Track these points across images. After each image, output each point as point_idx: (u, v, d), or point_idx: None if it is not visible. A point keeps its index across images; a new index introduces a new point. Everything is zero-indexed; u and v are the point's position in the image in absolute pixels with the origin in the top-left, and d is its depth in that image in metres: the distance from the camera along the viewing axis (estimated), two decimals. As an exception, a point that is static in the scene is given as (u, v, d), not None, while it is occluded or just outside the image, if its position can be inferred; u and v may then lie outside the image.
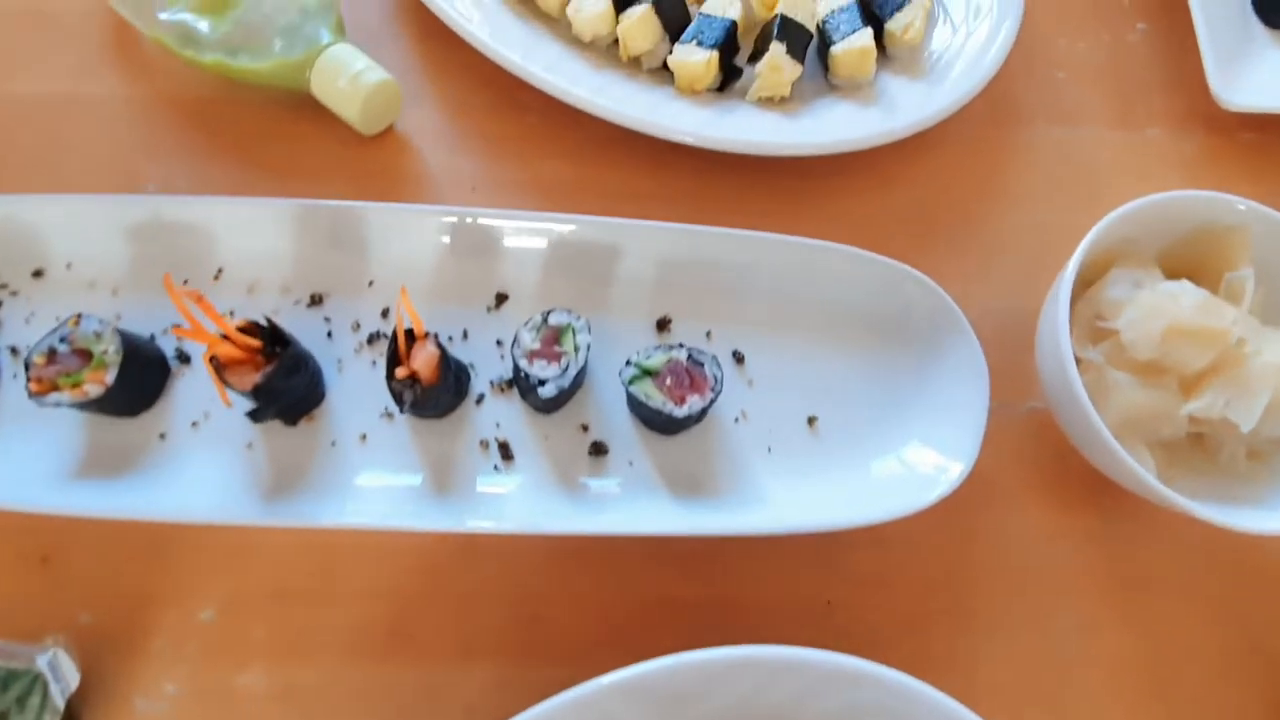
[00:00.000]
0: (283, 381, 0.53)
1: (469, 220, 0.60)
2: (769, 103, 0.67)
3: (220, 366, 0.51)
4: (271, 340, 0.53)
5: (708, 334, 0.62)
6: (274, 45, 0.64)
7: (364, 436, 0.57)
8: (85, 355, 0.54)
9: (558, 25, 0.70)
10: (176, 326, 0.51)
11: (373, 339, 0.60)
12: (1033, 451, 0.63)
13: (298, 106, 0.67)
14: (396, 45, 0.72)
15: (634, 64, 0.68)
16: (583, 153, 0.69)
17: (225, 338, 0.51)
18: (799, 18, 0.66)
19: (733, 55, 0.68)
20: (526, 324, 0.56)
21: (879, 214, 0.69)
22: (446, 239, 0.60)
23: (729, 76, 0.69)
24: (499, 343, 0.60)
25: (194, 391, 0.58)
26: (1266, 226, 0.55)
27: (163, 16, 0.64)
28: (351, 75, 0.63)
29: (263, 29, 0.64)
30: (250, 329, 0.53)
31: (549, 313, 0.56)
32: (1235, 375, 0.51)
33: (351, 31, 0.69)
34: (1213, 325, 0.51)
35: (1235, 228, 0.56)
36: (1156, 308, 0.52)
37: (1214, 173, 0.73)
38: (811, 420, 0.59)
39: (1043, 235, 0.69)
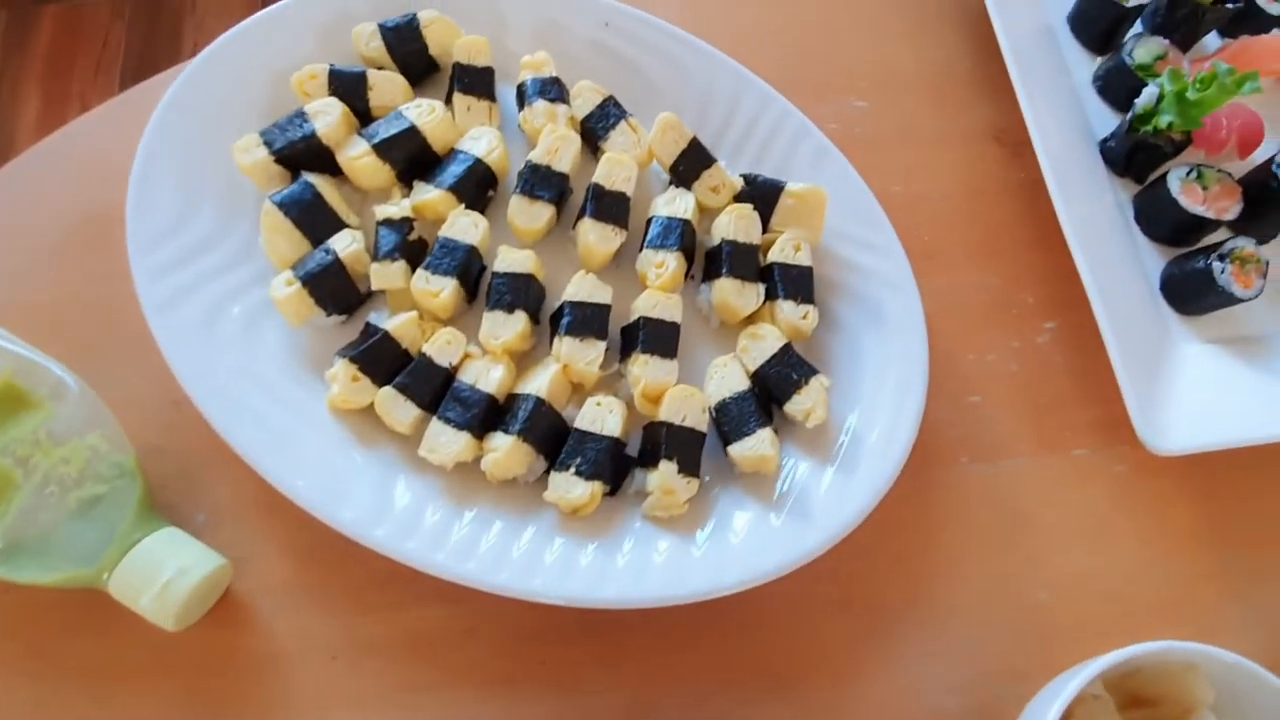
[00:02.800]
0: None
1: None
2: (666, 520, 0.59)
3: None
4: None
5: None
6: (63, 542, 0.52)
7: None
8: None
9: (413, 440, 0.60)
10: None
11: None
12: None
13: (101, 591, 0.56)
14: (219, 480, 0.60)
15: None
16: (459, 589, 0.59)
17: None
18: (688, 418, 0.58)
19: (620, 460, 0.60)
20: None
21: (804, 618, 0.61)
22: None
23: (619, 478, 0.60)
24: None
25: None
26: (1223, 670, 0.50)
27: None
28: (158, 590, 0.51)
29: (48, 524, 0.52)
30: None
31: None
32: None
33: (163, 470, 0.58)
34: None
35: (1193, 666, 0.51)
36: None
37: (1148, 493, 0.68)
38: None
39: (985, 620, 0.62)
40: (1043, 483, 0.67)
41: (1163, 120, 0.71)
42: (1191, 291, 0.70)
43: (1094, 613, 0.64)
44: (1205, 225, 0.71)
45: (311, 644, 0.58)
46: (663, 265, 0.63)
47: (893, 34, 0.85)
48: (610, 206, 0.64)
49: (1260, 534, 0.67)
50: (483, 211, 0.67)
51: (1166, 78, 0.70)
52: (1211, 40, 0.85)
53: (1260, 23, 0.81)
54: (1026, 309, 0.73)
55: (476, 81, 0.69)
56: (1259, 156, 0.77)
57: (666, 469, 0.57)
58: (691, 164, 0.67)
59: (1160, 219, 0.73)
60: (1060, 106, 0.78)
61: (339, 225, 0.64)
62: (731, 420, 0.60)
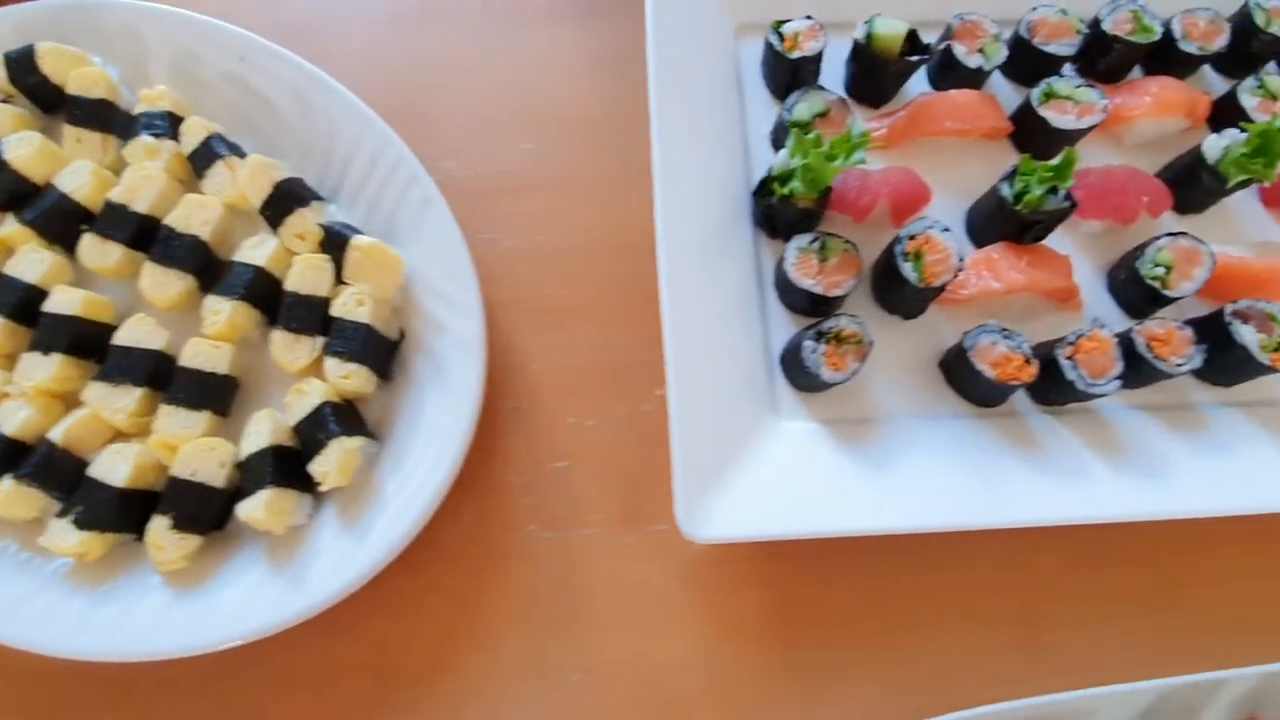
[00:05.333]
0: None
1: None
2: (169, 574, 0.59)
3: None
4: None
5: None
6: None
7: None
8: None
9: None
10: None
11: None
12: None
13: None
14: None
15: (36, 517, 0.61)
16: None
17: None
18: (199, 473, 0.58)
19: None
20: None
21: (329, 679, 0.61)
22: None
23: (142, 527, 0.61)
24: None
25: None
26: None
27: None
28: None
29: None
30: None
31: None
32: None
33: None
34: None
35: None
36: None
37: (721, 576, 0.65)
38: None
39: (511, 697, 0.61)
40: (611, 557, 0.65)
41: (789, 186, 0.67)
42: (794, 369, 0.66)
43: (630, 699, 0.62)
44: (829, 299, 0.67)
45: None
46: (218, 313, 0.63)
47: (577, 74, 0.81)
48: (178, 250, 0.64)
49: (826, 629, 0.64)
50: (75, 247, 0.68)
51: (791, 141, 0.66)
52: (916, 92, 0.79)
53: (960, 76, 0.76)
54: (642, 373, 0.70)
55: (90, 114, 0.69)
56: (936, 215, 0.72)
57: (158, 524, 0.57)
58: (279, 208, 0.66)
59: (786, 288, 0.69)
60: (724, 160, 0.74)
61: (-81, 256, 0.65)
62: (250, 477, 0.60)
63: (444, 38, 0.81)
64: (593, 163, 0.77)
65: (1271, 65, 0.82)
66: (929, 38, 0.76)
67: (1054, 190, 0.67)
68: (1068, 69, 0.80)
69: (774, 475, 0.63)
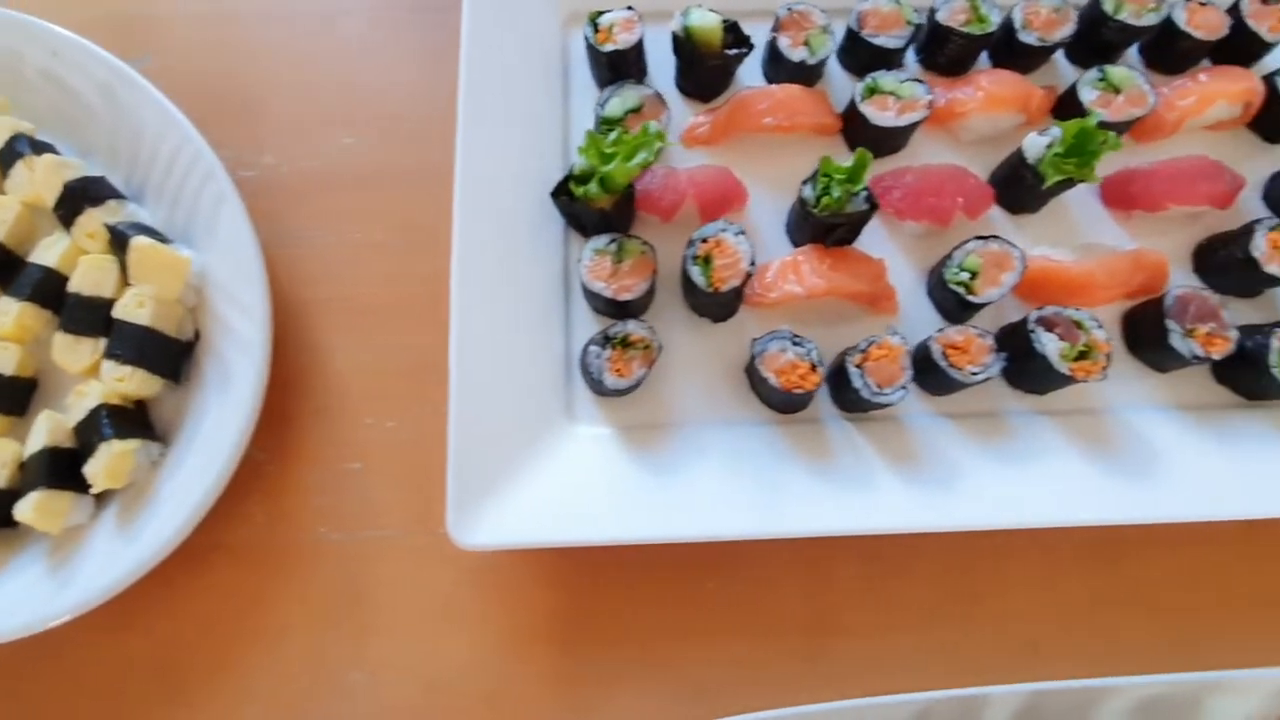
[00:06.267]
0: None
1: None
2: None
3: None
4: None
5: None
6: None
7: None
8: None
9: None
10: None
11: None
12: None
13: None
14: None
15: None
16: None
17: None
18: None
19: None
20: None
21: (111, 675, 0.62)
22: None
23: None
24: None
25: None
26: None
27: None
28: None
29: None
30: None
31: None
32: None
33: None
34: None
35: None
36: None
37: (507, 579, 0.65)
38: None
39: (283, 699, 0.62)
40: (399, 559, 0.65)
41: (584, 187, 0.65)
42: (585, 374, 0.65)
43: (409, 701, 0.63)
44: (623, 303, 0.66)
45: None
46: (6, 314, 0.63)
47: (403, 66, 0.79)
48: (-33, 250, 0.65)
49: (613, 635, 0.64)
50: None
51: (584, 142, 0.64)
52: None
53: (788, 70, 0.73)
54: (447, 374, 0.70)
55: (-110, 114, 0.69)
56: (760, 214, 0.71)
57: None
58: (70, 208, 0.66)
59: (585, 290, 0.68)
60: (538, 155, 0.72)
61: None
62: (27, 478, 0.60)
63: (268, 29, 0.80)
64: (415, 158, 0.76)
65: (1133, 53, 0.79)
66: (759, 28, 0.74)
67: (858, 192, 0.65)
68: (911, 61, 0.77)
69: (560, 481, 0.63)
